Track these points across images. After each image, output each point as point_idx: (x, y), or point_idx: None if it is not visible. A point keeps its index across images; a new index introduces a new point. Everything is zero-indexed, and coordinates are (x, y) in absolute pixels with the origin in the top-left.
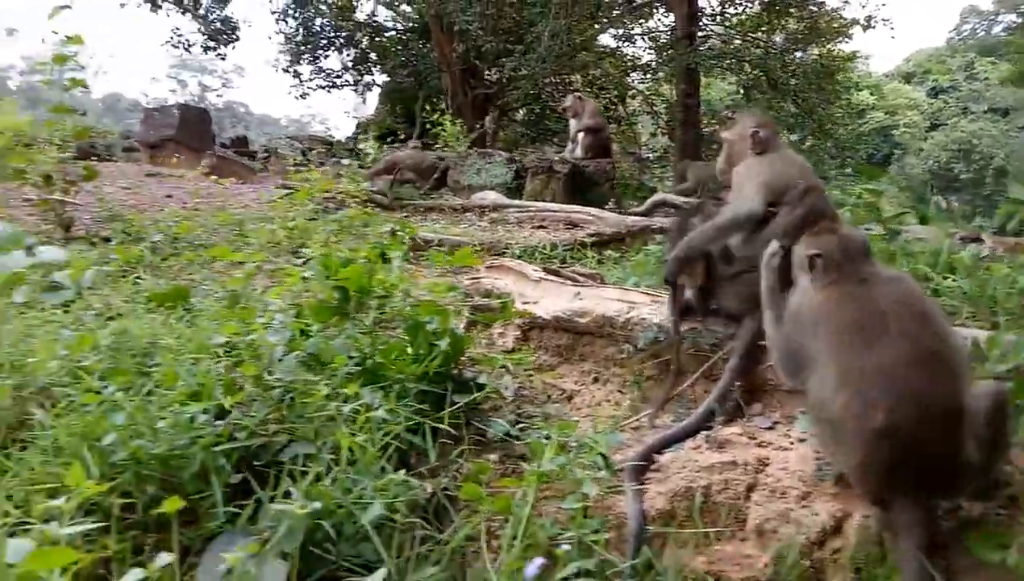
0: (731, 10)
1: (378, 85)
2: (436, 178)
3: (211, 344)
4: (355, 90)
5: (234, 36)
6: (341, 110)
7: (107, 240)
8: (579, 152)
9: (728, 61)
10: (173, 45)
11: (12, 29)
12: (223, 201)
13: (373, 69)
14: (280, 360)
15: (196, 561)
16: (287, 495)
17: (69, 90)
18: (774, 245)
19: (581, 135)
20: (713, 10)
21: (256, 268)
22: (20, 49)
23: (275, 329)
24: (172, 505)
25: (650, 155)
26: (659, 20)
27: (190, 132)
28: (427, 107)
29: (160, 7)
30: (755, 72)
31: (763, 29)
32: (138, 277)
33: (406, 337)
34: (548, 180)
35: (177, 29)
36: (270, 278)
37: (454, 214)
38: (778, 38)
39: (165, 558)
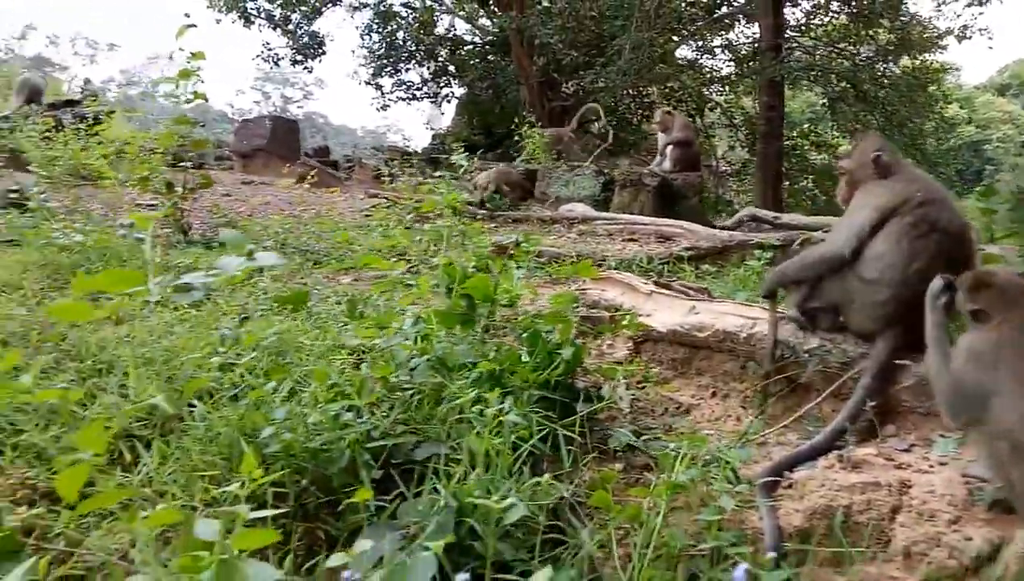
0: (816, 21)
1: (456, 97)
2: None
3: (346, 346)
4: (433, 102)
5: (320, 51)
6: (416, 120)
7: (222, 245)
8: (667, 165)
9: (814, 73)
10: (264, 59)
11: (113, 44)
12: (317, 209)
13: (452, 82)
14: (407, 362)
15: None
16: (428, 492)
17: (191, 103)
18: (938, 282)
19: (670, 148)
20: (798, 21)
21: (400, 280)
22: (119, 63)
23: (404, 334)
24: (362, 496)
25: (727, 168)
26: (740, 32)
27: (280, 142)
28: (516, 120)
29: (252, 23)
30: (842, 84)
31: (850, 40)
32: (258, 281)
33: (524, 345)
34: (637, 193)
35: (268, 44)
36: (370, 282)
37: (542, 225)
38: (866, 50)
39: (365, 544)
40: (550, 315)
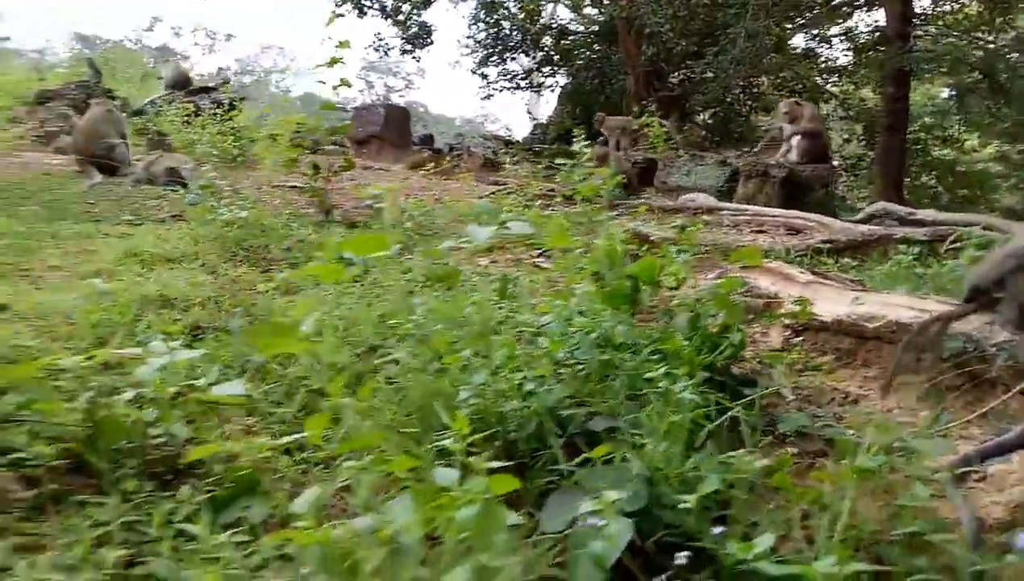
0: (946, 7)
1: (560, 86)
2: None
3: (517, 322)
4: (537, 91)
5: (428, 40)
6: (513, 109)
7: (366, 225)
8: (794, 156)
9: (944, 63)
10: (375, 49)
11: (229, 35)
12: (437, 193)
13: (557, 71)
14: (572, 339)
15: (529, 511)
16: (619, 461)
17: (337, 89)
18: None
19: (797, 139)
20: (923, 9)
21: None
22: (234, 52)
23: (569, 313)
24: (599, 452)
25: (841, 162)
26: (859, 20)
27: (392, 129)
28: (635, 109)
29: (365, 14)
30: (974, 75)
31: (983, 28)
32: (409, 257)
33: (679, 328)
34: (762, 184)
35: (379, 34)
36: (506, 265)
37: (663, 215)
38: (1002, 39)
39: (613, 494)
40: (718, 299)
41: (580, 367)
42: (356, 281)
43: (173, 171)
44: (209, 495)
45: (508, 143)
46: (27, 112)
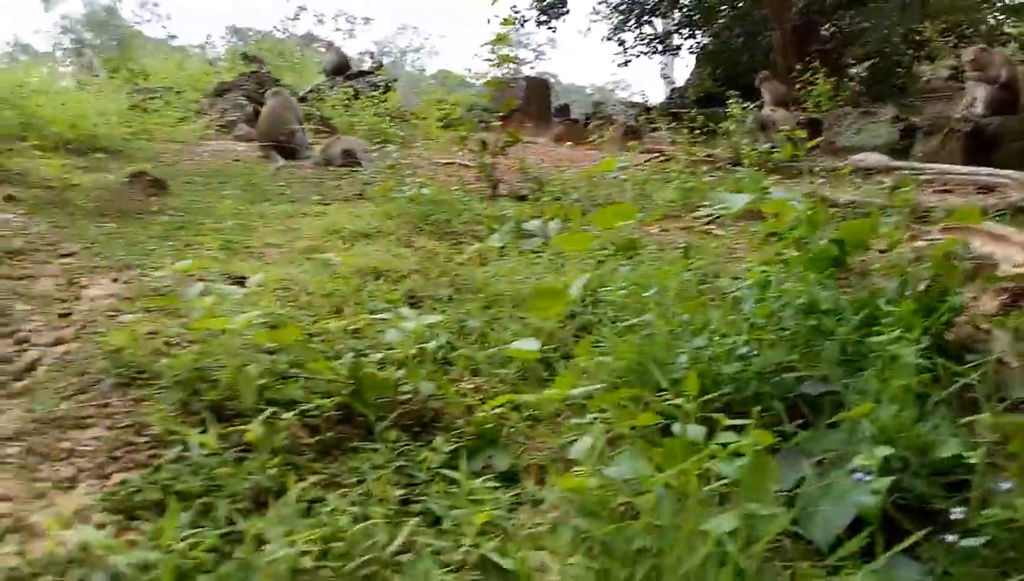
0: None
1: (699, 48)
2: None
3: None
4: (675, 54)
5: (564, 9)
6: (645, 75)
7: (535, 198)
8: (979, 109)
9: None
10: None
11: (368, 18)
12: (589, 165)
13: (696, 32)
14: (773, 301)
15: None
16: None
17: (500, 65)
18: None
19: (984, 89)
20: None
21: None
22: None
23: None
24: (862, 410)
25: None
26: None
27: (533, 102)
28: (797, 66)
29: None
30: None
31: None
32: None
33: (891, 292)
34: (945, 140)
35: (515, 7)
36: (676, 233)
37: (833, 177)
38: None
39: (885, 450)
40: (937, 261)
41: (785, 332)
42: (535, 253)
43: (348, 153)
44: (460, 445)
45: (647, 109)
46: (208, 103)
